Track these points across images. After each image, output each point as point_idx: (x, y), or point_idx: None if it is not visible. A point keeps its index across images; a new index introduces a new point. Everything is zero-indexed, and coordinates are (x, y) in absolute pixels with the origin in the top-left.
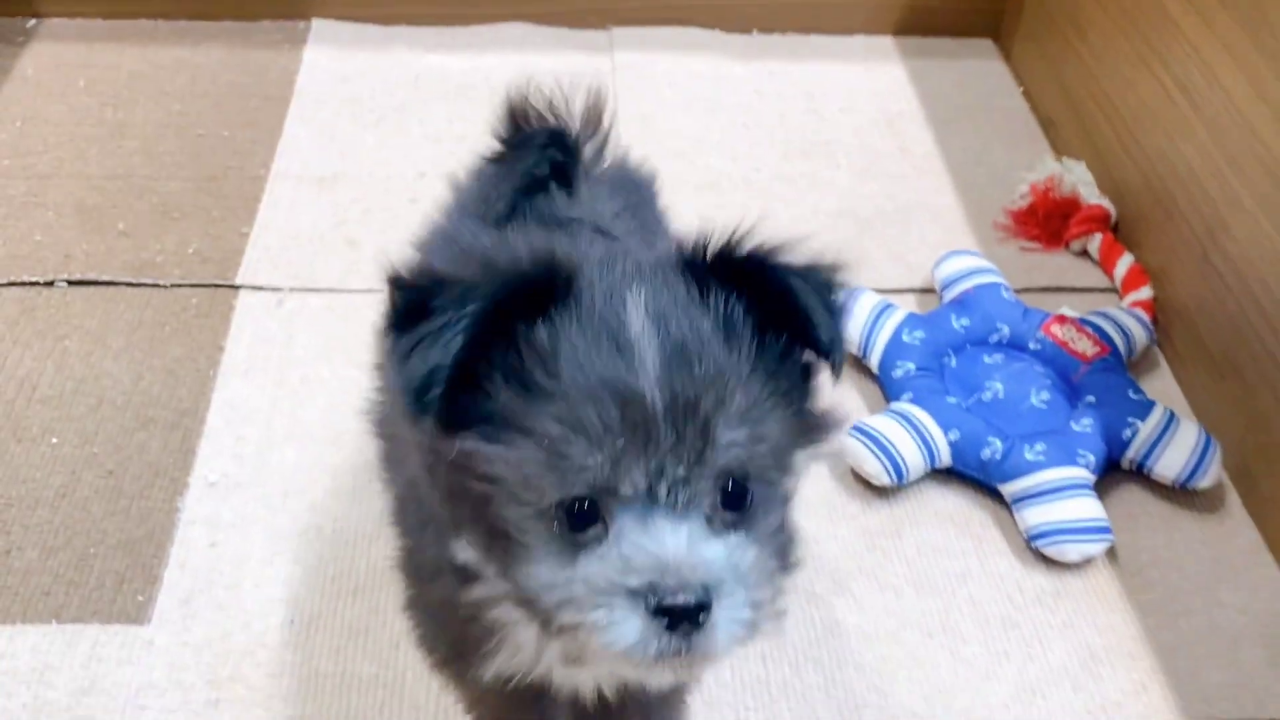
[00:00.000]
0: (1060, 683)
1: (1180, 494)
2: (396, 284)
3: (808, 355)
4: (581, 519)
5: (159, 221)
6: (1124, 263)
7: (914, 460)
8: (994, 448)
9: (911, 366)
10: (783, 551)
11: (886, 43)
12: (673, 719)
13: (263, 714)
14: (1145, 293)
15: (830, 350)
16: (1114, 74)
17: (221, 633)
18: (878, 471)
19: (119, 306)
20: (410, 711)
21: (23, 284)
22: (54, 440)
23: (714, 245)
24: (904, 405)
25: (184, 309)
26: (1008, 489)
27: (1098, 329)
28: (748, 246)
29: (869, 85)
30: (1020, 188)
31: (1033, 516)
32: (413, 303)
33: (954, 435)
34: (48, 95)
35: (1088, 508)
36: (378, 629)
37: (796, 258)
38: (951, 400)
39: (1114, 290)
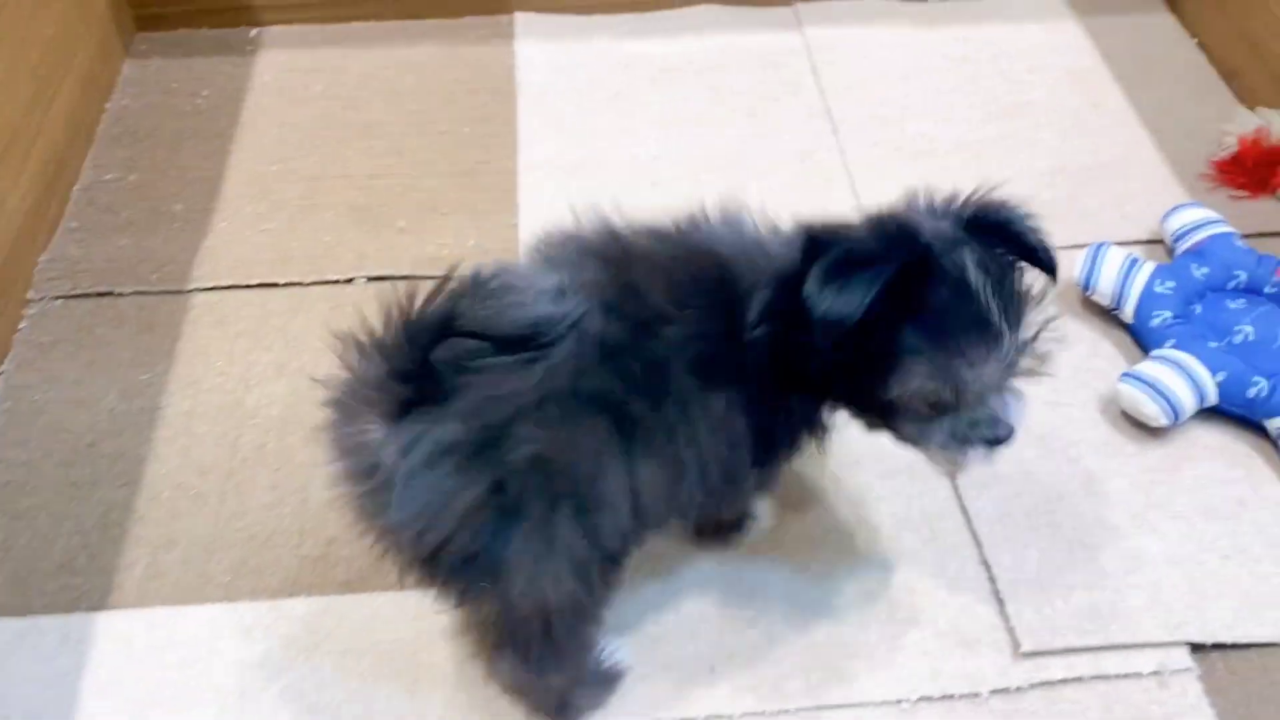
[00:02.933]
0: None
1: None
2: (826, 239)
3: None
4: (944, 403)
5: (430, 218)
6: None
7: (1187, 401)
8: (1259, 386)
9: (1169, 315)
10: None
11: (1055, 1)
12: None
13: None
14: None
15: (1052, 270)
16: None
17: None
18: (1155, 414)
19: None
20: (786, 653)
21: (327, 283)
22: None
23: (985, 213)
24: (1169, 351)
25: None
26: (1274, 423)
27: None
28: (999, 211)
29: (1050, 43)
30: (1225, 139)
31: None
32: (839, 261)
33: (1221, 376)
34: (291, 100)
35: None
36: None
37: (1021, 214)
38: (1213, 344)
39: None
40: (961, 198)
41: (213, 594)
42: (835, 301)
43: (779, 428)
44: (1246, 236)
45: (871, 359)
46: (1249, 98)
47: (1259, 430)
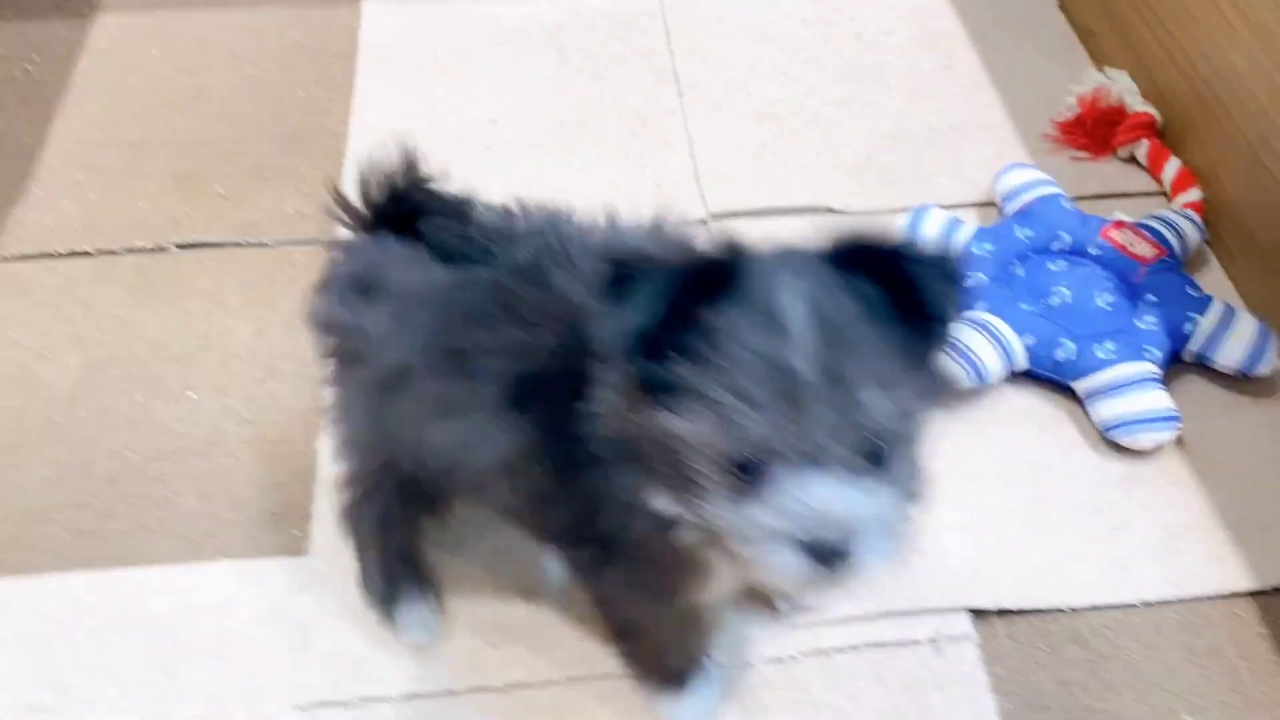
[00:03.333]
0: (1141, 558)
1: (1242, 382)
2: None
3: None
4: (749, 472)
5: (253, 183)
6: (1172, 166)
7: (993, 364)
8: (1067, 349)
9: (983, 277)
10: (914, 491)
11: None
12: None
13: None
14: (1195, 194)
15: (945, 329)
16: None
17: None
18: (959, 374)
19: (228, 266)
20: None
21: (138, 250)
22: (192, 395)
23: (854, 240)
24: (980, 314)
25: (291, 265)
26: (1081, 386)
27: (1153, 231)
28: (883, 242)
29: (909, 5)
30: (1067, 99)
31: (1106, 410)
32: (619, 273)
33: (1029, 339)
34: (123, 66)
35: (1157, 399)
36: (505, 556)
37: (920, 251)
38: (1024, 307)
39: (1163, 194)
40: (855, 229)
41: None
42: (620, 313)
43: (588, 485)
44: (1086, 198)
45: (653, 391)
46: (1102, 57)
47: (1072, 394)
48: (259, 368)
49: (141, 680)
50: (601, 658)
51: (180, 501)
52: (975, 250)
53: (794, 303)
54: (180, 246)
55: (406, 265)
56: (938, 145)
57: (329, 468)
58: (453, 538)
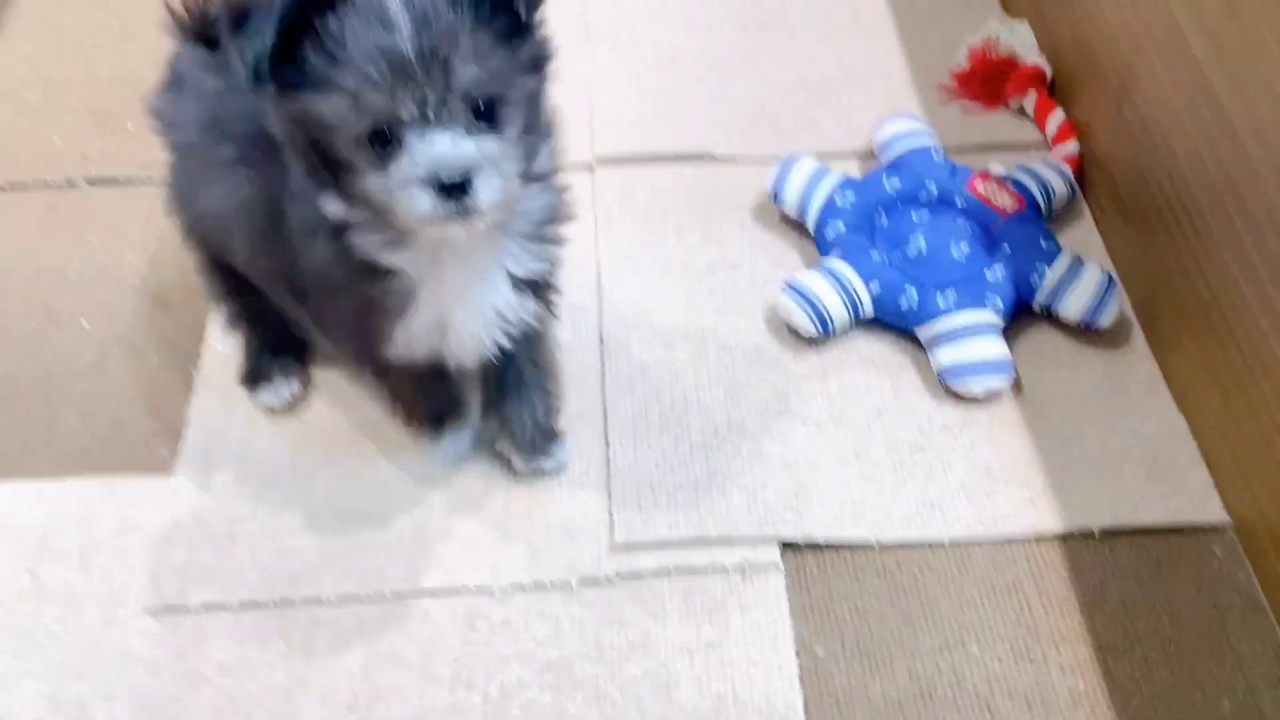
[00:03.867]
0: (956, 498)
1: (1088, 334)
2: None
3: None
4: (382, 141)
5: None
6: (1054, 119)
7: (838, 313)
8: (910, 296)
9: (842, 226)
10: (537, 138)
11: None
12: (549, 410)
13: (273, 544)
14: (1071, 146)
15: (528, 7)
16: None
17: (235, 479)
18: (804, 324)
19: (133, 202)
20: (396, 541)
21: (48, 185)
22: (84, 323)
23: None
24: (831, 261)
25: None
26: (922, 333)
27: (1018, 183)
28: None
29: None
30: (960, 50)
31: (944, 356)
32: (235, 13)
33: (875, 287)
34: (58, 5)
35: (993, 347)
36: (370, 472)
37: None
38: (875, 255)
39: (1046, 146)
40: None
41: None
42: (245, 45)
43: (292, 214)
44: (970, 149)
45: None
46: (1010, 8)
47: (918, 343)
48: (149, 299)
49: (5, 581)
50: None
51: (62, 421)
52: (838, 201)
53: (394, 3)
54: (90, 182)
55: (202, 68)
56: (831, 93)
57: (203, 393)
58: None
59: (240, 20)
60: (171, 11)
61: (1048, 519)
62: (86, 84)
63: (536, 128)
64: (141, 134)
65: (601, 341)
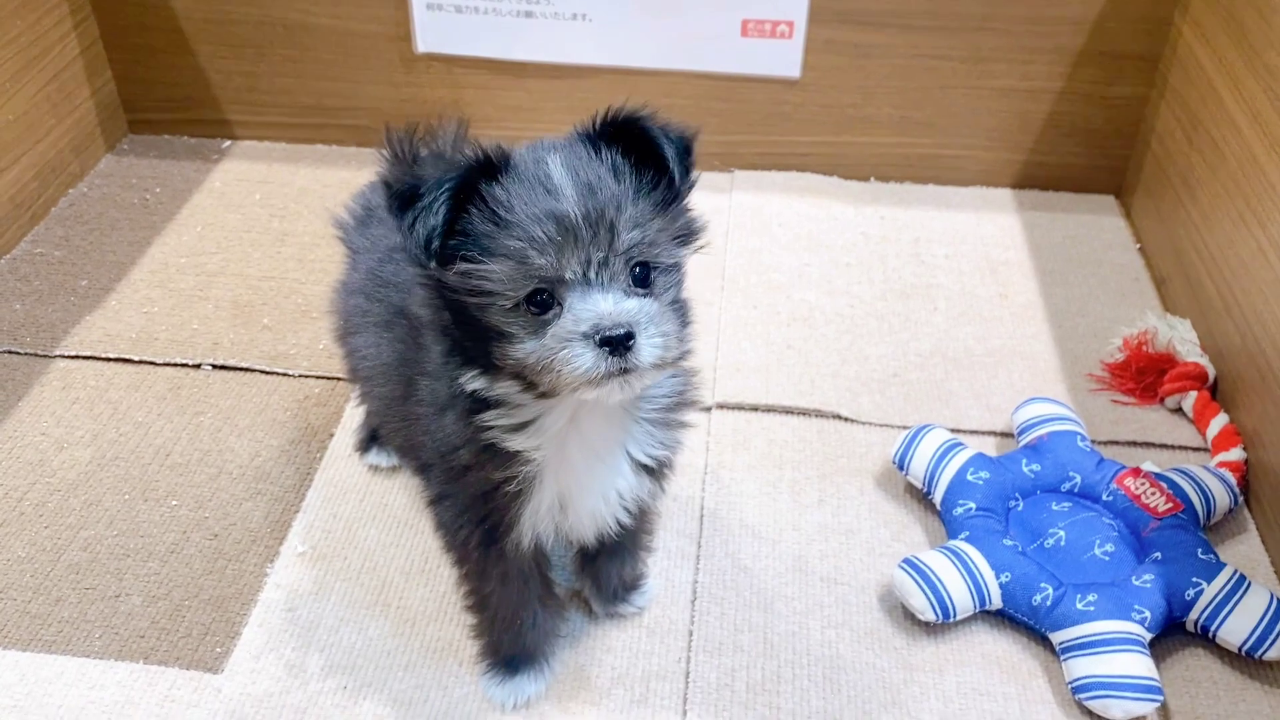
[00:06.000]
0: None
1: (1250, 663)
2: (387, 185)
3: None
4: (543, 304)
5: (298, 319)
6: (1218, 422)
7: (961, 598)
8: (1045, 594)
9: (973, 506)
10: (681, 313)
11: (1004, 194)
12: (637, 566)
13: None
14: (1236, 454)
15: (681, 178)
16: (1217, 233)
17: (282, 689)
18: (923, 606)
19: (251, 390)
20: None
21: (176, 365)
22: (174, 502)
23: (601, 118)
24: (958, 543)
25: (306, 397)
26: (1056, 637)
27: (1174, 486)
28: (623, 113)
29: (978, 232)
30: (1114, 340)
31: (1078, 668)
32: (404, 191)
33: (1005, 577)
34: (228, 205)
35: (1137, 664)
36: (420, 703)
37: (657, 121)
38: (1008, 542)
39: (1205, 449)
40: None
41: None
42: (417, 223)
43: (424, 386)
44: (1119, 443)
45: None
46: (1172, 306)
47: (1050, 646)
48: (244, 487)
49: None
50: None
51: (127, 600)
52: (969, 476)
53: (558, 170)
54: (214, 367)
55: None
56: (970, 368)
57: (271, 591)
58: None
59: (411, 198)
60: (385, 141)
61: None
62: (235, 277)
63: (681, 303)
64: (275, 328)
65: (695, 596)
